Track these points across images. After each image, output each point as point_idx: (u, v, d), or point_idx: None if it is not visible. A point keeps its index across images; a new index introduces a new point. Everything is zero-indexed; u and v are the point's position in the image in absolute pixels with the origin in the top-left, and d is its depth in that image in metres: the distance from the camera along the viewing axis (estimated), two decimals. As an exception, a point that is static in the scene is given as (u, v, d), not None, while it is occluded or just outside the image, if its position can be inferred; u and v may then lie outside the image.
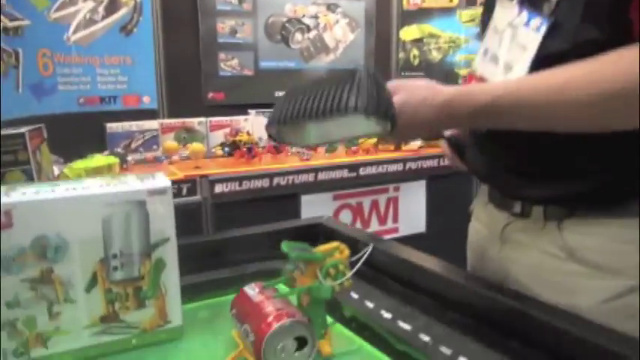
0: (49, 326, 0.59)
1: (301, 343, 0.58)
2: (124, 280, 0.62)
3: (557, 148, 0.68)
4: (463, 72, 3.08)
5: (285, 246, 0.63)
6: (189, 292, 0.72)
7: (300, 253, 0.60)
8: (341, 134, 0.76)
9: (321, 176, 2.19)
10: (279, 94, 2.82)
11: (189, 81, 2.57)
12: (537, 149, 0.71)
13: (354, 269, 0.61)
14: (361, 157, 2.35)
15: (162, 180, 0.64)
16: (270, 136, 0.78)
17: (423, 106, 0.69)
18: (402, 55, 3.11)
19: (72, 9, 2.15)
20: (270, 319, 0.57)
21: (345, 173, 2.24)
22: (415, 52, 3.11)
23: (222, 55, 2.61)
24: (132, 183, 0.62)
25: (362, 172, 2.29)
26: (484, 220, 0.86)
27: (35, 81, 2.03)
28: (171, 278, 0.65)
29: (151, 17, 2.38)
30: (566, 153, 0.68)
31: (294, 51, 2.80)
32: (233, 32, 2.62)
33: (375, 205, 2.37)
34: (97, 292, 0.61)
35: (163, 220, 0.63)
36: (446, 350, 0.60)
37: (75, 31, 2.18)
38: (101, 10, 2.23)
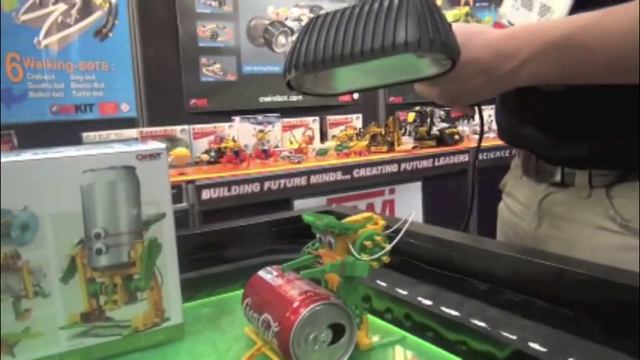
0: (16, 327, 0.46)
1: (337, 332, 0.46)
2: (111, 266, 0.50)
3: (606, 97, 0.59)
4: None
5: (308, 216, 0.52)
6: (186, 290, 0.60)
7: (332, 222, 0.49)
8: (382, 79, 0.60)
9: (314, 179, 2.08)
10: (264, 99, 2.72)
11: (170, 87, 2.46)
12: (582, 98, 0.61)
13: (395, 241, 0.50)
14: (354, 159, 2.25)
15: (154, 144, 0.52)
16: (288, 85, 0.59)
17: (478, 39, 0.56)
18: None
19: (42, 11, 2.02)
20: (297, 304, 0.45)
21: (338, 175, 2.14)
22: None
23: (203, 60, 2.51)
24: (117, 146, 0.51)
25: (356, 174, 2.18)
26: (517, 196, 0.76)
27: (4, 87, 1.89)
28: (169, 265, 0.53)
29: (128, 21, 2.27)
30: (617, 103, 0.59)
31: (278, 55, 2.71)
32: (214, 36, 2.52)
33: (370, 208, 2.26)
34: (77, 282, 0.49)
35: (157, 191, 0.51)
36: (509, 335, 0.49)
37: (46, 35, 2.05)
38: (74, 13, 2.11)
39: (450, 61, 0.53)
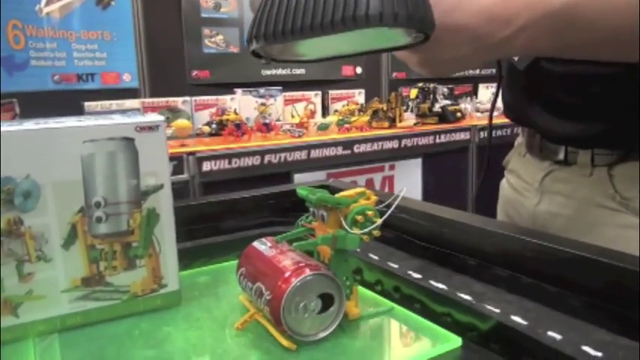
0: (19, 290, 0.48)
1: (326, 302, 0.48)
2: (110, 234, 0.52)
3: (611, 76, 0.59)
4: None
5: (302, 190, 0.53)
6: (183, 259, 0.62)
7: (324, 196, 0.50)
8: (354, 46, 0.56)
9: (314, 154, 2.09)
10: (267, 72, 2.71)
11: (172, 58, 2.45)
12: (587, 78, 0.61)
13: (385, 215, 0.51)
14: (355, 134, 2.26)
15: (153, 116, 0.53)
16: (253, 53, 0.54)
17: (470, 4, 0.51)
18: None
19: (44, -22, 2.01)
20: (288, 273, 0.47)
21: (339, 150, 2.15)
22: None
23: (206, 31, 2.49)
24: (117, 118, 0.52)
25: (356, 149, 2.19)
26: (520, 173, 0.77)
27: (6, 54, 1.89)
28: (166, 234, 0.55)
29: (130, -10, 2.25)
30: (621, 83, 0.59)
31: (282, 27, 2.68)
32: (217, 7, 2.50)
33: (370, 183, 2.28)
34: (77, 248, 0.50)
35: (156, 163, 0.53)
36: (493, 308, 0.51)
37: (47, 3, 2.03)
38: (76, -20, 2.09)
39: (421, 35, 0.49)
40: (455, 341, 0.48)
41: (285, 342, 0.46)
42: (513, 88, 0.75)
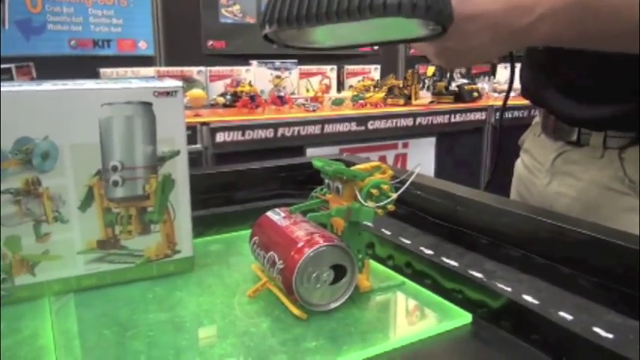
0: (36, 249, 0.49)
1: (339, 273, 0.48)
2: (126, 198, 0.52)
3: (626, 59, 0.57)
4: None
5: (317, 161, 0.53)
6: (197, 226, 0.62)
7: (339, 167, 0.50)
8: (369, 36, 0.55)
9: (328, 128, 2.08)
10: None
11: (188, 27, 2.43)
12: (603, 60, 0.60)
13: (401, 190, 0.51)
14: (370, 110, 2.24)
15: (171, 81, 0.53)
16: (265, 38, 0.53)
17: None
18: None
19: (61, -59, 1.99)
20: (301, 244, 0.47)
21: (353, 126, 2.13)
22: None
23: (222, 0, 2.46)
24: (135, 82, 0.52)
25: (370, 125, 2.18)
26: (533, 153, 0.77)
27: (23, 17, 1.89)
28: (182, 200, 0.55)
29: (147, -45, 2.22)
30: (636, 64, 0.58)
31: (300, -1, 2.65)
32: (235, -24, 2.46)
33: (382, 160, 2.27)
34: (94, 211, 0.51)
35: (173, 129, 0.53)
36: (505, 287, 0.51)
37: (65, -34, 2.02)
38: (93, -56, 2.07)
39: (439, 27, 0.48)
40: (465, 317, 0.48)
41: (296, 311, 0.47)
42: (530, 69, 0.74)
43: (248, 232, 0.57)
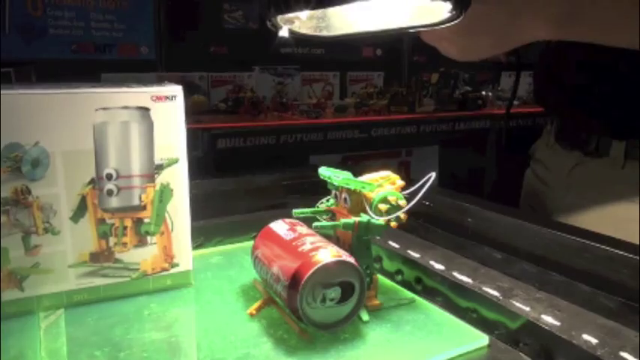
0: (25, 262, 0.46)
1: (346, 290, 0.45)
2: (121, 208, 0.49)
3: None
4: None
5: (324, 170, 0.50)
6: (196, 238, 0.59)
7: (348, 178, 0.47)
8: (380, 24, 0.51)
9: (331, 135, 2.05)
10: (285, 50, 2.66)
11: (190, 32, 2.40)
12: (624, 66, 0.57)
13: (413, 201, 0.48)
14: (373, 118, 2.21)
15: (170, 86, 0.50)
16: (272, 25, 0.49)
17: None
18: None
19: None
20: (308, 259, 0.44)
21: (356, 133, 2.11)
22: None
23: (225, 6, 2.44)
24: (133, 86, 0.49)
25: (373, 133, 2.15)
26: (546, 163, 0.73)
27: (24, 21, 1.87)
28: (180, 210, 0.52)
29: (150, -41, 2.20)
30: None
31: (303, 5, 2.63)
32: (238, -19, 2.45)
33: (385, 169, 2.24)
34: (87, 222, 0.48)
35: (172, 135, 0.50)
36: (522, 306, 0.48)
37: (66, -30, 2.00)
38: (95, -52, 2.05)
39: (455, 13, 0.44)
40: (481, 339, 0.45)
41: (300, 331, 0.44)
42: (546, 75, 0.71)
43: (250, 243, 0.54)
